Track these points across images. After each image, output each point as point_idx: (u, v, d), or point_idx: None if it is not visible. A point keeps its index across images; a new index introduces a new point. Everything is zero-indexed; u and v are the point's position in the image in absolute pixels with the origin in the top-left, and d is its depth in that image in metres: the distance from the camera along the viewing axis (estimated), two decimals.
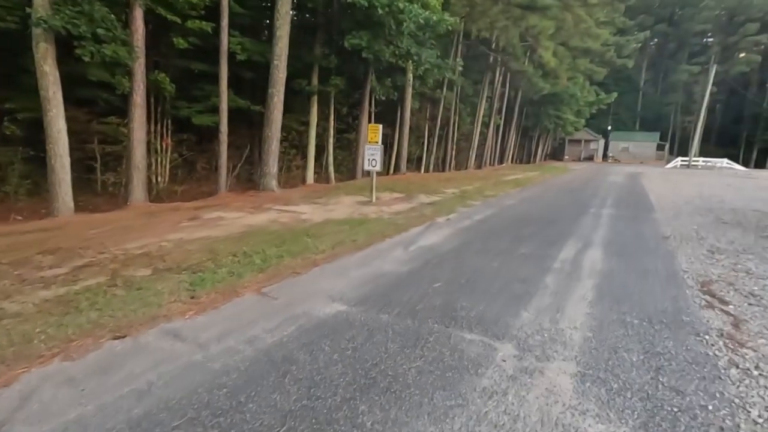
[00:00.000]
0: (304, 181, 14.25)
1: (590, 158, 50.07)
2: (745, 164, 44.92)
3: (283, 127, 15.43)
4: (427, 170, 22.97)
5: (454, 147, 26.17)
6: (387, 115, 21.09)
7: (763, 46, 50.08)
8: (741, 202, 11.60)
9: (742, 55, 50.41)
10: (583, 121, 38.17)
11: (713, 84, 39.59)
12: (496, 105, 28.35)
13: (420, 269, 4.45)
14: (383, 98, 16.46)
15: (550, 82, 29.66)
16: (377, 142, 9.46)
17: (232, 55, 10.71)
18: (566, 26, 20.97)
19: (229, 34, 10.23)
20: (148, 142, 10.34)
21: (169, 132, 12.50)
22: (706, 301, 3.70)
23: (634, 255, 5.23)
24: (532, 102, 33.52)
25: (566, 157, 50.12)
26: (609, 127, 55.62)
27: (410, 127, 22.87)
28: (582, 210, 9.07)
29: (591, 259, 4.95)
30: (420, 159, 23.47)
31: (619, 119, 59.78)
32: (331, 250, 5.16)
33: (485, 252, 5.21)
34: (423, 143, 22.90)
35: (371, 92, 15.84)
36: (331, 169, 16.44)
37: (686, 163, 38.69)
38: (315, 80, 12.93)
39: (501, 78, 26.87)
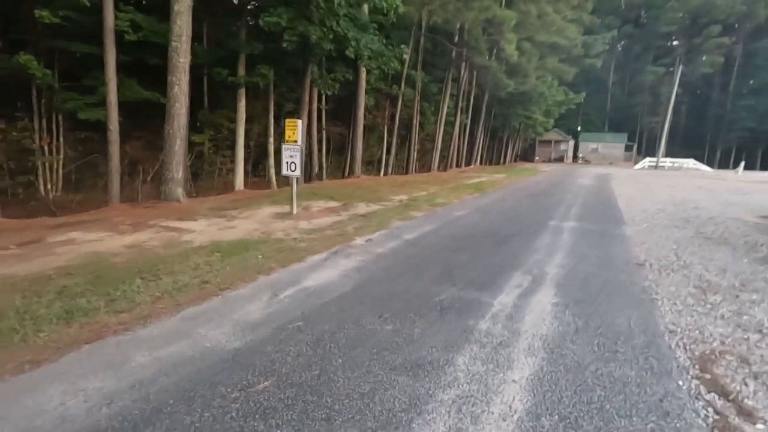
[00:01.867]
0: (233, 187, 12.37)
1: (560, 159, 49.75)
2: (710, 164, 45.35)
3: (211, 125, 13.55)
4: (387, 173, 21.35)
5: (418, 148, 24.70)
6: (342, 112, 19.39)
7: (725, 48, 50.89)
8: (717, 208, 10.42)
9: (705, 57, 51.10)
10: (552, 121, 37.44)
11: (678, 85, 39.64)
12: (462, 104, 27.04)
13: (264, 344, 2.75)
14: (329, 93, 14.74)
15: (519, 80, 28.64)
16: (296, 141, 7.72)
17: (122, 35, 8.77)
18: (530, 19, 19.79)
19: (117, 9, 8.30)
20: (17, 141, 8.27)
21: (61, 129, 10.39)
22: (717, 413, 2.14)
23: (597, 301, 3.68)
24: (501, 101, 32.45)
25: (537, 158, 49.62)
26: (579, 128, 55.58)
27: (368, 127, 21.24)
28: (542, 223, 7.57)
29: (536, 314, 3.37)
30: (379, 161, 21.84)
31: (588, 120, 59.94)
32: (152, 304, 3.40)
33: (387, 300, 3.56)
34: (383, 144, 21.27)
35: (314, 86, 14.08)
36: (272, 172, 14.58)
37: (654, 164, 38.53)
38: (241, 70, 11.09)
39: (467, 75, 25.56)
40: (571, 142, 52.97)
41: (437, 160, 23.92)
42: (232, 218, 7.56)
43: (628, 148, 54.28)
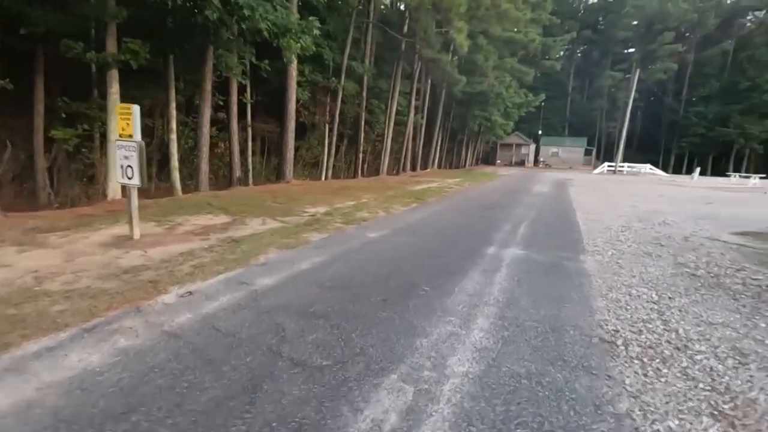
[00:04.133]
0: (105, 194, 9.74)
1: (521, 163, 49.16)
2: (665, 169, 45.92)
3: (80, 117, 10.84)
4: (327, 177, 19.09)
5: (369, 149, 22.63)
6: (276, 108, 17.02)
7: (678, 56, 51.96)
8: (688, 223, 8.86)
9: (659, 63, 51.99)
10: (512, 124, 36.35)
11: (635, 91, 39.65)
12: (416, 102, 25.19)
13: None
14: (244, 81, 12.37)
15: (476, 80, 27.18)
16: (131, 136, 5.37)
17: None
18: (482, 8, 18.13)
19: None
20: None
21: None
22: None
23: None
24: (459, 101, 30.91)
25: (498, 161, 48.79)
26: (540, 132, 55.37)
27: (307, 125, 18.98)
28: (476, 252, 5.58)
29: None
30: (322, 163, 19.56)
31: (549, 124, 60.02)
32: None
33: None
34: (324, 145, 19.00)
35: (230, 74, 11.67)
36: (176, 176, 12.03)
37: (612, 168, 38.26)
38: (111, 46, 8.57)
39: (419, 71, 23.70)
40: (533, 146, 52.56)
41: (387, 162, 21.86)
42: (42, 245, 5.13)
43: (587, 153, 54.52)
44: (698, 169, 35.86)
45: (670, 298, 3.98)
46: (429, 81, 25.26)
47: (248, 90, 14.96)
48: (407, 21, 19.60)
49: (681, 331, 3.23)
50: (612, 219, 9.06)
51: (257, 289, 3.82)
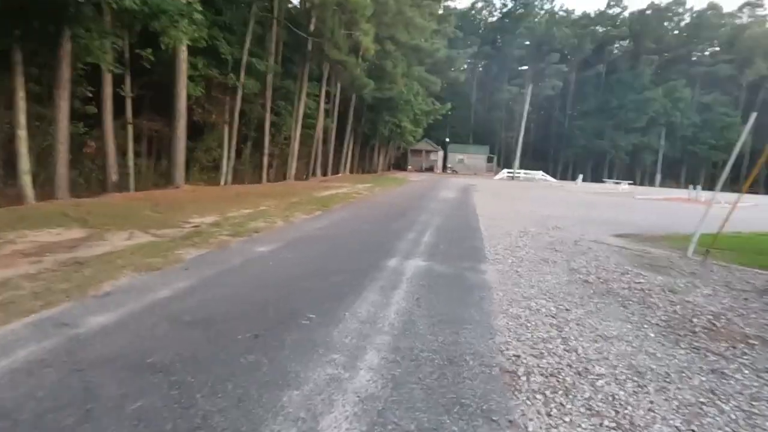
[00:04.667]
0: None
1: (431, 169, 50.94)
2: (554, 175, 50.87)
3: None
4: (227, 182, 17.54)
5: (273, 153, 21.39)
6: (163, 105, 15.16)
7: (563, 75, 58.25)
8: (576, 228, 9.44)
9: (548, 80, 57.77)
10: (421, 130, 37.44)
11: (529, 104, 43.46)
12: (327, 106, 24.54)
13: None
14: (112, 69, 10.66)
15: (386, 86, 27.41)
16: None
17: None
18: (389, 13, 18.22)
19: None
20: None
21: None
22: None
23: None
24: (371, 107, 30.93)
25: (409, 167, 50.00)
26: (447, 140, 58.02)
27: (200, 124, 17.32)
28: (376, 265, 5.10)
29: None
30: (222, 167, 17.93)
31: (455, 133, 63.18)
32: None
33: None
34: (224, 147, 17.43)
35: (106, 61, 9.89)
36: (26, 180, 9.93)
37: (511, 175, 41.35)
38: None
39: (329, 74, 23.11)
40: (441, 153, 54.83)
41: (295, 167, 20.85)
42: None
43: (489, 160, 58.39)
44: (581, 176, 40.33)
45: (567, 309, 3.85)
46: (339, 85, 24.78)
47: (127, 81, 13.03)
48: (313, 20, 18.89)
49: (580, 350, 3.02)
50: (511, 224, 9.31)
51: (81, 333, 2.87)
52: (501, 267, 5.34)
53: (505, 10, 65.71)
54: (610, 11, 65.52)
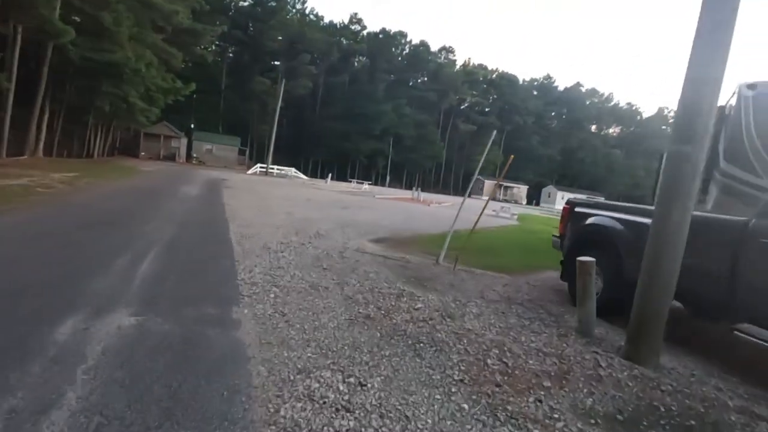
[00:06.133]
0: None
1: (172, 157, 44.05)
2: (305, 173, 52.66)
3: None
4: None
5: None
6: None
7: (312, 77, 60.86)
8: (337, 233, 8.86)
9: (300, 79, 59.19)
10: (158, 111, 31.24)
11: (282, 100, 43.10)
12: None
13: None
14: None
15: (107, 47, 21.22)
16: None
17: None
18: None
19: None
20: None
21: None
22: None
23: None
24: (83, 72, 23.31)
25: (142, 153, 41.63)
26: (192, 126, 51.59)
27: None
28: (33, 333, 2.65)
29: None
30: None
31: (203, 119, 57.02)
32: None
33: None
34: None
35: None
36: None
37: (264, 170, 40.00)
38: None
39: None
40: (185, 140, 48.17)
41: None
42: None
43: (241, 152, 55.32)
44: (330, 175, 42.89)
45: (361, 385, 2.66)
46: (18, 28, 17.23)
47: None
48: None
49: None
50: (270, 232, 7.85)
51: None
52: (261, 309, 3.79)
53: None
54: (353, 27, 72.91)
